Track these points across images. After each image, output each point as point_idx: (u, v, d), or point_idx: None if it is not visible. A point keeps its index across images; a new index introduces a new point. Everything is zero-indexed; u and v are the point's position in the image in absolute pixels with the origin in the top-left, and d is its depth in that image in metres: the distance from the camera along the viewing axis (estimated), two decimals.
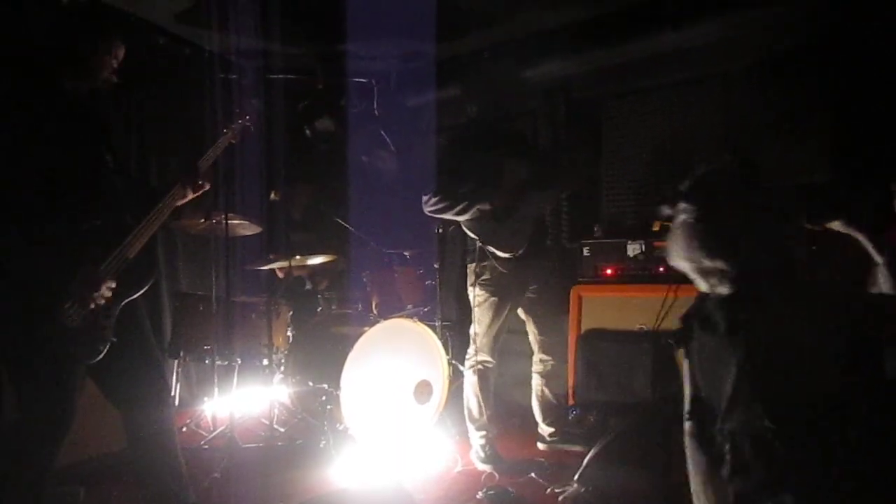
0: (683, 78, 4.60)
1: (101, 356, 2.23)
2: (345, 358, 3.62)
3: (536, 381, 3.70)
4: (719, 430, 1.72)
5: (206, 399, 4.30)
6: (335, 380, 3.59)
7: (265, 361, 3.96)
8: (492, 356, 3.53)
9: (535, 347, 3.68)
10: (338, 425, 3.69)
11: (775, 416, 1.60)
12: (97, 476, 3.20)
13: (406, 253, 4.81)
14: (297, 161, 5.40)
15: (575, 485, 2.83)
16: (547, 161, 3.56)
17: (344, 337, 3.91)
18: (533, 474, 3.27)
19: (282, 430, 4.07)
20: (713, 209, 1.73)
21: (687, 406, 1.89)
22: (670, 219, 1.82)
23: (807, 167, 3.87)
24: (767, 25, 4.04)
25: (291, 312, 4.33)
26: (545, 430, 3.71)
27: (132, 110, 4.47)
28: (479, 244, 3.42)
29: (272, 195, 4.27)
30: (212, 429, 3.97)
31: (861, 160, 3.60)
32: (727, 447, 1.69)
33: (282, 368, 4.16)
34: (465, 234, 3.51)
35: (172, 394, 4.00)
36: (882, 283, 1.93)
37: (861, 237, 1.94)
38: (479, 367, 3.53)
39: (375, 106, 5.20)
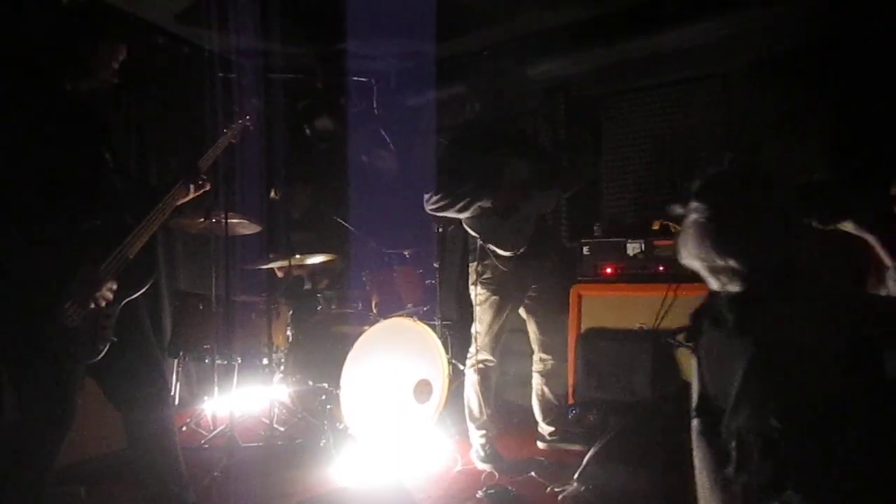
0: (683, 77, 4.60)
1: (101, 356, 2.23)
2: (345, 357, 3.62)
3: (536, 381, 3.71)
4: (725, 427, 1.72)
5: (206, 398, 4.30)
6: (335, 379, 3.59)
7: (265, 361, 3.96)
8: (493, 355, 3.53)
9: (535, 347, 3.68)
10: (338, 424, 3.69)
11: (781, 416, 1.61)
12: (97, 476, 3.20)
13: (406, 252, 4.81)
14: (297, 160, 5.40)
15: (575, 484, 2.83)
16: (548, 161, 3.56)
17: (344, 336, 3.92)
18: (533, 473, 3.28)
19: (282, 429, 4.07)
20: (725, 208, 1.74)
21: (694, 403, 1.90)
22: (681, 217, 1.83)
23: (807, 167, 3.88)
24: (767, 25, 4.05)
25: (291, 312, 4.33)
26: (545, 429, 3.72)
27: (132, 110, 4.46)
28: (479, 242, 3.43)
29: (272, 194, 4.27)
30: (212, 428, 3.97)
31: (861, 160, 3.60)
32: (733, 445, 1.70)
33: (282, 368, 4.16)
34: (466, 233, 3.52)
35: (172, 393, 4.00)
36: (892, 287, 1.94)
37: (871, 239, 1.95)
38: (480, 365, 3.53)
39: (375, 105, 5.20)
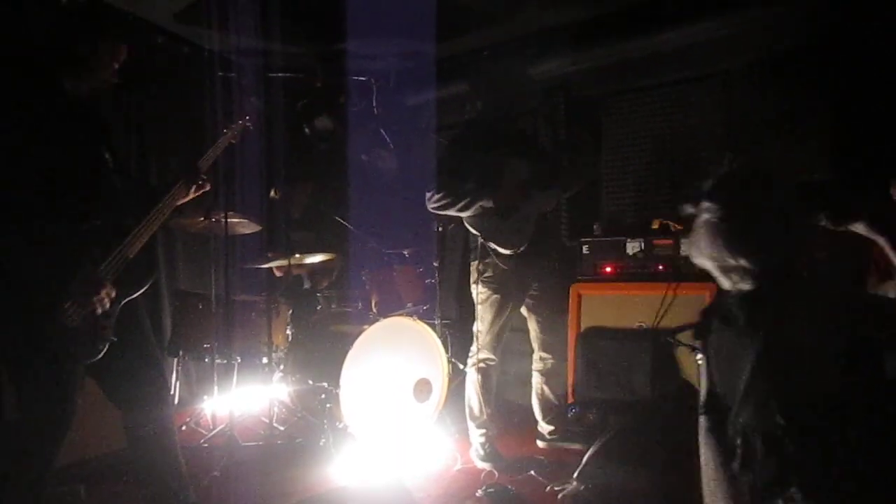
0: (683, 77, 4.60)
1: (100, 355, 2.24)
2: (344, 356, 3.62)
3: (536, 380, 3.71)
4: (731, 424, 1.74)
5: (205, 397, 4.30)
6: (335, 378, 3.59)
7: (265, 360, 3.96)
8: (494, 354, 3.53)
9: (535, 345, 3.68)
10: (337, 423, 3.69)
11: (787, 413, 1.62)
12: (97, 475, 3.21)
13: (405, 251, 4.81)
14: (296, 160, 5.40)
15: (574, 483, 2.83)
16: (549, 161, 3.57)
17: (343, 335, 3.92)
18: (532, 472, 3.28)
19: (281, 428, 4.07)
20: (737, 208, 1.76)
21: (702, 400, 1.91)
22: (690, 217, 1.85)
23: (807, 167, 3.88)
24: (767, 25, 4.05)
25: (291, 311, 4.33)
26: (545, 428, 3.72)
27: (132, 110, 4.46)
28: (480, 241, 3.43)
29: (272, 194, 4.27)
30: (211, 427, 3.97)
31: (861, 160, 3.61)
32: (738, 441, 1.72)
33: (281, 367, 4.16)
34: (466, 232, 3.52)
35: (172, 392, 4.00)
36: None
37: (882, 241, 1.96)
38: (482, 364, 3.54)
39: (375, 105, 5.19)
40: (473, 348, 3.57)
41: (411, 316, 4.02)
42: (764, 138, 4.15)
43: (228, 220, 3.60)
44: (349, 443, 3.63)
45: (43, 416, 2.19)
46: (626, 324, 3.96)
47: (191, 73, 4.77)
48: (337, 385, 3.58)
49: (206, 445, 3.77)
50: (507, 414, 4.19)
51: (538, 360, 3.69)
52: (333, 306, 4.62)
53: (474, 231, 3.45)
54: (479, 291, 3.50)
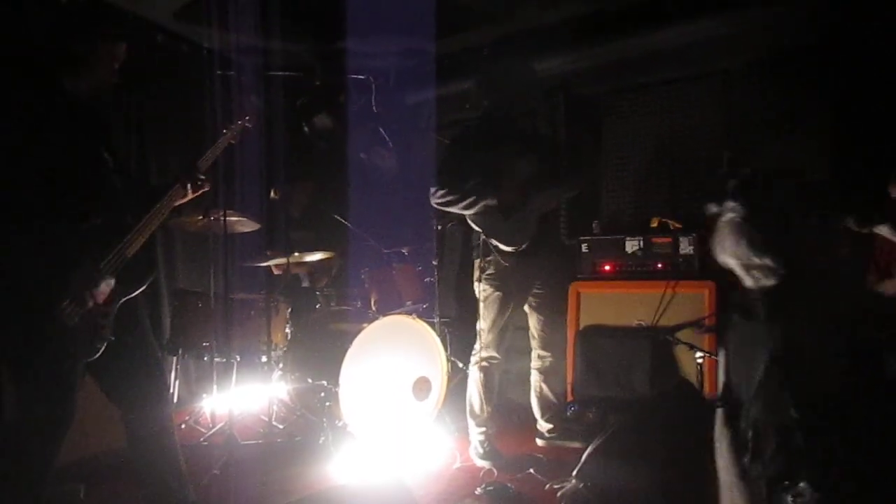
0: (683, 75, 4.60)
1: (99, 354, 2.23)
2: (343, 355, 3.62)
3: (535, 378, 3.71)
4: (744, 417, 1.77)
5: (205, 396, 4.31)
6: (334, 376, 3.60)
7: (264, 358, 3.96)
8: (498, 352, 3.53)
9: (534, 344, 3.69)
10: (337, 422, 3.70)
11: (800, 408, 1.64)
12: (97, 474, 3.20)
13: (405, 250, 4.81)
14: (296, 159, 5.40)
15: (573, 481, 2.83)
16: (551, 160, 3.56)
17: (343, 334, 3.92)
18: (531, 470, 3.28)
19: (281, 426, 4.08)
20: (761, 209, 1.78)
21: (719, 393, 1.94)
22: (716, 216, 1.88)
23: (806, 166, 3.88)
24: (767, 24, 4.05)
25: (290, 309, 4.33)
26: (544, 426, 3.72)
27: (132, 110, 4.45)
28: (482, 238, 3.43)
29: (272, 194, 4.27)
30: (211, 426, 3.98)
31: (860, 160, 3.61)
32: (750, 434, 1.74)
33: (280, 365, 4.16)
34: (465, 231, 3.52)
35: (171, 391, 4.00)
36: None
37: None
38: (485, 363, 3.54)
39: (374, 103, 5.19)
40: (477, 346, 3.57)
41: (410, 314, 4.02)
42: (763, 138, 4.16)
43: (227, 218, 3.59)
44: (348, 441, 3.63)
45: (43, 415, 2.18)
46: (625, 322, 3.96)
47: (190, 72, 4.76)
48: (336, 383, 3.58)
49: (205, 444, 3.77)
50: (506, 412, 4.19)
51: (537, 359, 3.70)
52: (333, 305, 4.63)
53: (477, 228, 3.45)
54: (481, 289, 3.51)
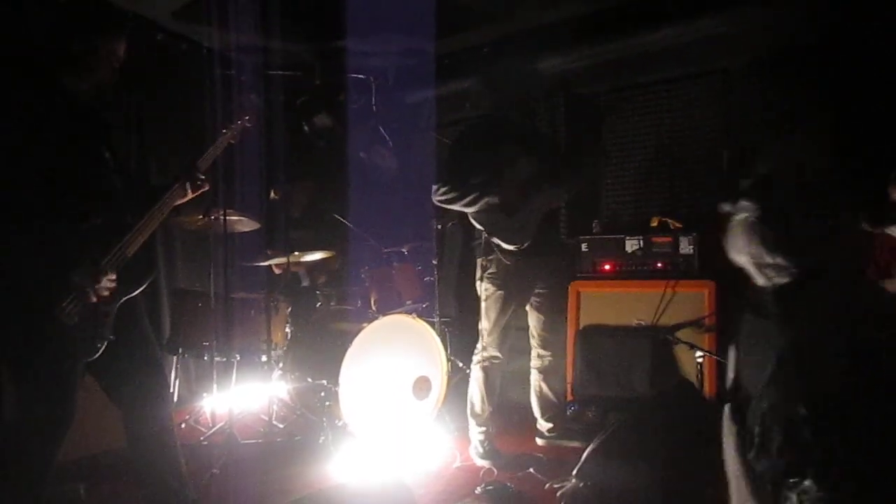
0: (683, 74, 4.60)
1: (99, 353, 2.23)
2: (343, 354, 3.62)
3: (535, 377, 3.71)
4: (752, 412, 1.78)
5: (205, 395, 4.30)
6: (334, 376, 3.60)
7: (264, 358, 3.96)
8: (500, 351, 3.53)
9: (533, 343, 3.68)
10: (337, 421, 3.70)
11: (809, 403, 1.65)
12: (97, 473, 3.21)
13: (404, 249, 4.82)
14: (296, 159, 5.40)
15: (573, 480, 2.83)
16: (552, 160, 3.57)
17: (343, 333, 3.92)
18: (531, 470, 3.28)
19: (281, 426, 4.07)
20: (775, 208, 1.79)
21: (728, 388, 1.95)
22: (728, 215, 1.90)
23: (805, 165, 3.88)
24: (767, 24, 4.05)
25: (290, 309, 4.33)
26: (544, 425, 3.72)
27: (132, 109, 4.45)
28: (485, 236, 3.43)
29: (272, 194, 4.27)
30: (211, 425, 3.97)
31: (860, 160, 3.61)
32: (757, 429, 1.76)
33: (280, 364, 4.16)
34: (467, 231, 3.52)
35: (171, 390, 4.00)
36: None
37: None
38: (486, 363, 3.54)
39: (374, 102, 5.19)
40: (479, 346, 3.57)
41: (410, 314, 4.02)
42: (763, 137, 4.16)
43: (227, 217, 3.59)
44: (348, 440, 3.64)
45: (43, 415, 2.19)
46: (625, 321, 3.97)
47: (190, 72, 4.76)
48: (336, 383, 3.58)
49: (205, 443, 3.77)
50: (506, 411, 4.19)
51: (536, 358, 3.69)
52: (333, 304, 4.62)
53: (479, 226, 3.45)
54: (483, 288, 3.51)
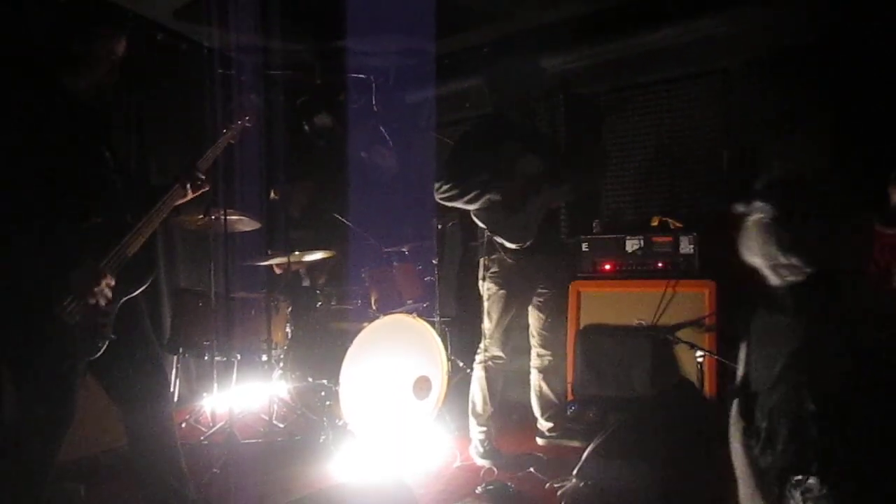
0: (683, 74, 4.60)
1: (99, 353, 2.24)
2: (344, 354, 3.62)
3: (535, 377, 3.71)
4: (760, 407, 1.80)
5: (205, 395, 4.31)
6: (334, 375, 3.60)
7: (264, 357, 3.96)
8: (503, 351, 3.53)
9: (533, 342, 3.68)
10: (337, 421, 3.70)
11: (818, 400, 1.66)
12: (97, 473, 3.21)
13: (405, 249, 4.82)
14: (296, 159, 5.40)
15: (574, 480, 2.84)
16: (555, 160, 3.57)
17: (343, 333, 3.93)
18: (532, 469, 3.28)
19: (281, 425, 4.07)
20: (790, 209, 1.81)
21: (737, 383, 1.96)
22: (743, 216, 1.90)
23: (805, 165, 3.88)
24: (767, 23, 4.05)
25: (290, 308, 4.34)
26: (544, 425, 3.72)
27: (132, 109, 4.45)
28: (487, 235, 3.43)
29: (272, 195, 4.27)
30: (211, 424, 3.97)
31: (860, 160, 3.61)
32: (764, 424, 1.77)
33: (281, 364, 4.17)
34: (467, 231, 3.52)
35: (172, 390, 4.00)
36: None
37: None
38: (490, 363, 3.53)
39: (374, 102, 5.19)
40: (481, 345, 3.57)
41: (411, 313, 4.02)
42: (763, 137, 4.16)
43: (228, 217, 3.60)
44: (349, 440, 3.64)
45: (43, 415, 2.19)
46: (625, 321, 3.97)
47: (190, 71, 4.76)
48: (336, 382, 3.59)
49: (205, 442, 3.77)
50: (506, 411, 4.19)
51: (536, 357, 3.69)
52: (333, 303, 4.62)
53: (481, 224, 3.45)
54: (486, 287, 3.51)
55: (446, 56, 5.14)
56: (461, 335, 4.85)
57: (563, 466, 3.10)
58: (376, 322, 3.80)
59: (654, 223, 4.19)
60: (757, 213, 1.85)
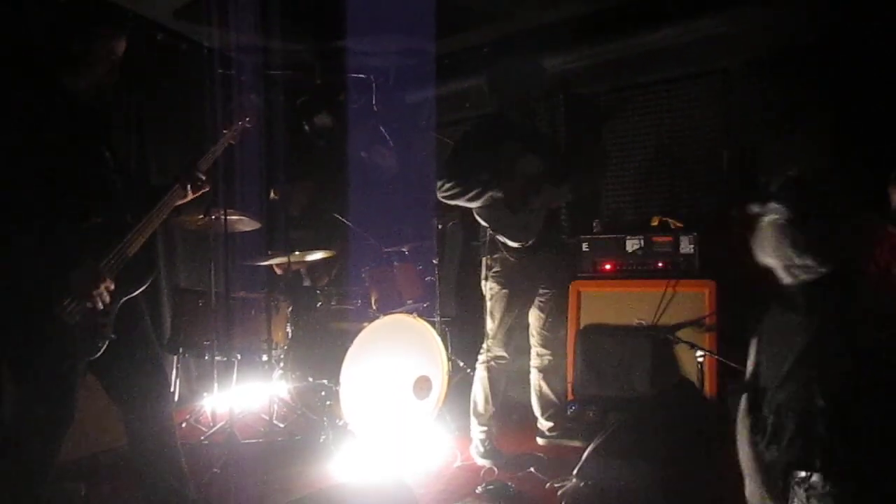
0: (683, 74, 4.60)
1: (100, 353, 2.24)
2: (344, 354, 3.62)
3: (535, 376, 3.71)
4: (768, 402, 1.81)
5: (205, 395, 4.30)
6: (335, 375, 3.60)
7: (264, 357, 3.96)
8: (506, 351, 3.53)
9: (533, 341, 3.68)
10: (337, 421, 3.70)
11: (827, 397, 1.67)
12: (98, 473, 3.22)
13: (405, 249, 4.82)
14: (296, 159, 5.40)
15: (574, 479, 2.84)
16: (555, 160, 3.57)
17: (343, 332, 3.93)
18: (532, 469, 3.28)
19: (281, 425, 4.07)
20: (804, 211, 1.84)
21: (746, 380, 1.98)
22: (758, 216, 1.92)
23: (805, 165, 3.88)
24: (767, 23, 4.05)
25: (291, 308, 4.34)
26: (544, 424, 3.72)
27: (132, 109, 4.45)
28: (490, 233, 3.44)
29: (271, 195, 4.27)
30: (211, 424, 3.97)
31: (860, 160, 3.61)
32: (771, 419, 1.79)
33: (281, 364, 4.16)
34: (468, 231, 3.52)
35: (172, 390, 4.00)
36: None
37: None
38: (493, 363, 3.53)
39: (374, 102, 5.20)
40: (485, 345, 3.57)
41: (411, 313, 4.02)
42: (763, 137, 4.16)
43: (228, 217, 3.60)
44: (349, 440, 3.64)
45: (43, 415, 2.19)
46: (625, 321, 3.97)
47: (190, 71, 4.76)
48: (337, 382, 3.58)
49: (206, 442, 3.77)
50: (506, 410, 4.19)
51: (536, 357, 3.69)
52: (333, 303, 4.62)
53: (483, 223, 3.46)
54: (489, 287, 3.51)
55: (446, 56, 5.14)
56: (461, 335, 4.85)
57: (564, 466, 3.10)
58: (376, 322, 3.80)
59: (654, 223, 4.19)
60: (772, 215, 1.87)
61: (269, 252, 4.46)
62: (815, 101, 3.93)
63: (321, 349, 3.94)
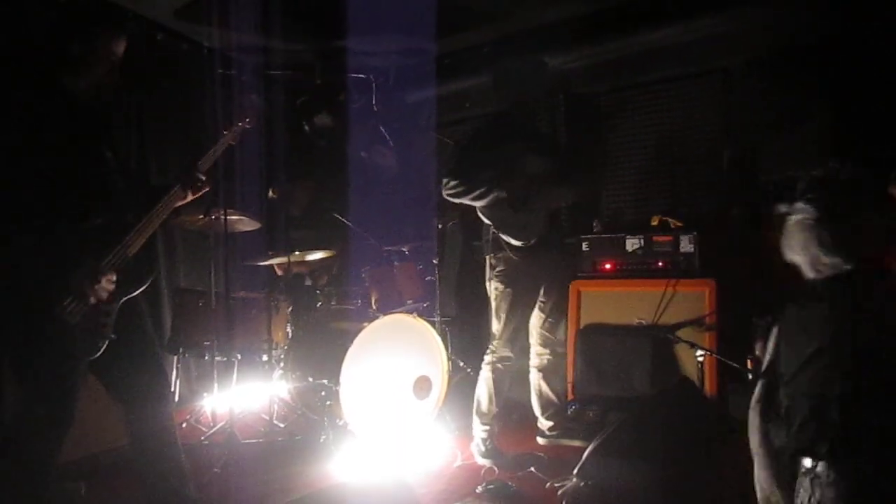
0: (683, 73, 4.59)
1: (100, 353, 2.24)
2: (344, 353, 3.62)
3: (535, 376, 3.71)
4: (784, 387, 1.84)
5: (205, 395, 4.30)
6: (335, 375, 3.60)
7: (265, 357, 3.97)
8: (512, 352, 3.53)
9: (532, 341, 3.69)
10: (337, 421, 3.70)
11: (845, 384, 1.71)
12: (98, 472, 3.22)
13: (405, 248, 4.82)
14: (297, 159, 5.40)
15: (574, 479, 2.83)
16: (556, 160, 3.57)
17: (343, 332, 3.93)
18: (532, 469, 3.28)
19: (281, 425, 4.08)
20: (832, 210, 1.86)
21: (762, 369, 2.00)
22: (785, 215, 1.95)
23: (805, 165, 3.88)
24: (768, 23, 4.05)
25: (291, 308, 4.34)
26: (544, 424, 3.72)
27: (132, 109, 4.45)
28: (493, 232, 3.44)
29: (270, 193, 4.26)
30: (212, 424, 3.98)
31: (860, 160, 3.61)
32: (785, 406, 1.82)
33: (281, 364, 4.17)
34: (468, 231, 3.52)
35: (172, 390, 4.00)
36: None
37: None
38: (498, 364, 3.53)
39: (374, 101, 5.19)
40: (491, 346, 3.57)
41: (411, 313, 4.02)
42: (763, 135, 4.16)
43: (228, 217, 3.60)
44: (349, 440, 3.64)
45: (43, 415, 2.19)
46: (625, 320, 3.97)
47: (191, 71, 4.76)
48: (337, 382, 3.59)
49: (206, 442, 3.77)
50: (506, 410, 4.19)
51: (535, 356, 3.70)
52: (333, 303, 4.62)
53: (487, 221, 3.46)
54: (493, 287, 3.52)
55: (446, 56, 5.13)
56: (461, 335, 4.85)
57: (564, 466, 3.10)
58: (376, 322, 3.81)
59: (655, 223, 4.19)
60: (799, 214, 1.90)
61: (270, 252, 4.46)
62: (815, 101, 3.93)
63: (321, 349, 3.95)
